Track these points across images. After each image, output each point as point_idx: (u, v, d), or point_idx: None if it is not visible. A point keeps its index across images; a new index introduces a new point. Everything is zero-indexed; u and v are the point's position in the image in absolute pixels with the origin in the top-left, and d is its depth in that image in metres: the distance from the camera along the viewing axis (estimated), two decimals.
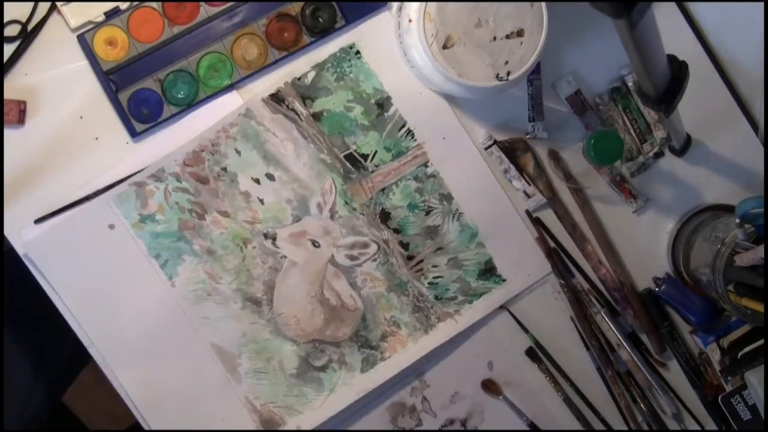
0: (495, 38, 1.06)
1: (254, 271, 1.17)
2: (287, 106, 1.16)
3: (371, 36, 1.17)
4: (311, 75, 1.16)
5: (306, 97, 1.16)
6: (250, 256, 1.17)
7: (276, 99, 1.16)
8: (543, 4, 1.05)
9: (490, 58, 1.06)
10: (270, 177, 1.17)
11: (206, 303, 1.17)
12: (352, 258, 1.19)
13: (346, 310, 1.19)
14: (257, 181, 1.16)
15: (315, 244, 1.18)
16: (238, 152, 1.16)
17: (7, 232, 1.14)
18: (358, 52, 1.16)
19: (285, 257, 1.18)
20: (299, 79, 1.16)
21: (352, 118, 1.17)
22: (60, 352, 1.38)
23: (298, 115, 1.16)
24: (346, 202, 1.18)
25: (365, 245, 1.19)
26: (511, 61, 1.06)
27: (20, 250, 1.14)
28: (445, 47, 1.06)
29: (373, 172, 1.18)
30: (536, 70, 1.18)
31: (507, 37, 1.06)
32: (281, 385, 1.19)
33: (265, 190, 1.17)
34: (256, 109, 1.15)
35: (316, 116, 1.17)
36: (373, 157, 1.18)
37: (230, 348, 1.18)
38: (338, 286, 1.19)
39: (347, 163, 1.18)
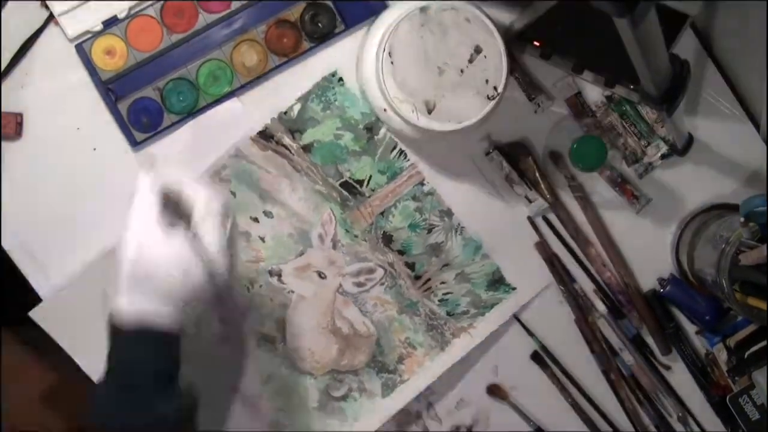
0: (462, 71, 1.06)
1: (264, 310, 1.17)
2: (276, 142, 1.15)
3: (352, 61, 1.15)
4: (297, 108, 1.15)
5: (294, 131, 1.15)
6: (258, 296, 1.16)
7: (264, 136, 1.14)
8: (471, 8, 1.06)
9: (472, 89, 1.06)
10: (268, 214, 1.16)
11: (221, 348, 1.16)
12: (359, 285, 1.19)
13: (360, 337, 1.20)
14: (256, 219, 1.16)
15: (321, 275, 1.18)
16: (234, 194, 1.15)
17: (5, 243, 1.13)
18: (340, 79, 1.15)
19: (293, 292, 1.18)
20: (285, 113, 1.15)
21: (343, 146, 1.16)
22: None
23: (288, 149, 1.15)
24: (347, 230, 1.18)
25: (371, 270, 1.19)
26: (490, 77, 1.06)
27: (18, 258, 1.13)
28: (430, 111, 1.06)
29: (370, 196, 1.18)
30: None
31: (470, 61, 1.06)
32: (304, 420, 1.19)
33: (264, 228, 1.16)
34: (245, 148, 1.14)
35: (307, 148, 1.16)
36: (369, 181, 1.17)
37: (250, 390, 1.18)
38: (349, 314, 1.19)
39: (343, 191, 1.17)
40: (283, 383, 1.18)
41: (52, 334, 1.13)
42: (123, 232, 0.92)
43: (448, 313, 1.21)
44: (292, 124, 1.15)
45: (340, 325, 1.19)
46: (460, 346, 1.22)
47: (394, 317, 1.20)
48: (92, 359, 1.12)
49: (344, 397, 1.20)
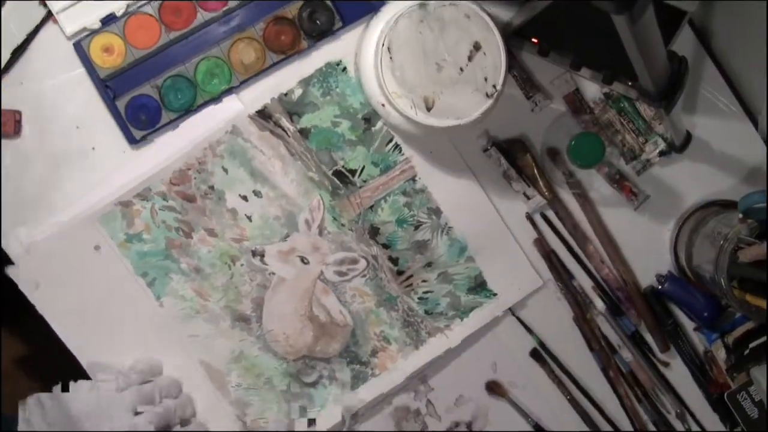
0: (461, 67, 1.05)
1: (243, 288, 1.17)
2: (274, 123, 1.16)
3: (350, 58, 1.16)
4: (298, 91, 1.16)
5: (293, 113, 1.16)
6: (238, 274, 1.17)
7: (263, 115, 1.15)
8: (470, 4, 1.05)
9: (471, 86, 1.05)
10: (257, 194, 1.16)
11: (195, 321, 1.17)
12: (341, 274, 1.18)
13: (336, 326, 1.19)
14: (245, 198, 1.16)
15: (304, 260, 1.18)
16: (225, 170, 1.16)
17: (3, 244, 1.14)
18: (344, 68, 1.16)
19: (273, 274, 1.18)
20: (286, 94, 1.15)
21: (340, 134, 1.16)
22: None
23: (285, 131, 1.16)
24: (335, 218, 1.18)
25: (354, 261, 1.18)
26: (489, 75, 1.05)
27: (18, 257, 1.14)
28: (429, 108, 1.06)
29: (361, 187, 1.17)
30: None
31: (469, 58, 1.05)
32: (271, 402, 1.19)
33: (252, 207, 1.17)
34: (243, 126, 1.15)
35: (304, 132, 1.16)
36: (361, 172, 1.17)
37: (219, 365, 1.18)
38: (327, 302, 1.19)
39: (335, 179, 1.17)
40: (253, 363, 1.18)
41: (25, 291, 1.14)
42: None
43: (426, 312, 1.20)
44: (292, 106, 1.16)
45: (317, 312, 1.19)
46: (434, 347, 1.20)
47: (371, 309, 1.19)
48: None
49: (314, 384, 1.19)
